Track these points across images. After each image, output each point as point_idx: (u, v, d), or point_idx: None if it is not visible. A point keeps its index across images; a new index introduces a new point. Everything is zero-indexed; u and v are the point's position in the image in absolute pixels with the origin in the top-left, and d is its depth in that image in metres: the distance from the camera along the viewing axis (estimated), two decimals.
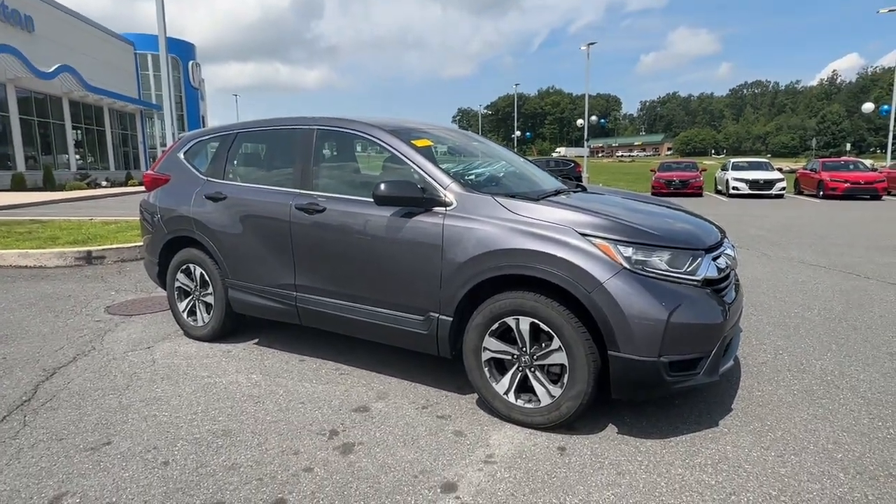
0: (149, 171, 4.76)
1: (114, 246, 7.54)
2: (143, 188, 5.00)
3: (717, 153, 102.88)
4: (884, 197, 19.32)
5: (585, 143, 35.94)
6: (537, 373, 2.90)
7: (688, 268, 2.75)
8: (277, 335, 4.43)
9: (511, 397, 2.96)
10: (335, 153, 4.04)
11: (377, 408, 3.18)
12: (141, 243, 5.41)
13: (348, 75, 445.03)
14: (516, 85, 67.78)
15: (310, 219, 3.56)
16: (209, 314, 4.27)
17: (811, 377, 3.56)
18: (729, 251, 3.12)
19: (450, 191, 3.15)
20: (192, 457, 2.66)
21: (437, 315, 3.14)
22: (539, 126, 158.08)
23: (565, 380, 2.79)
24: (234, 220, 3.94)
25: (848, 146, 78.48)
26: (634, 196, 3.93)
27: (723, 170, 22.59)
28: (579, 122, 38.45)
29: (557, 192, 3.59)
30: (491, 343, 2.99)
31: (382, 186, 3.14)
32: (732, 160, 23.17)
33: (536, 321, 2.82)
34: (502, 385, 2.99)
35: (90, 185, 25.21)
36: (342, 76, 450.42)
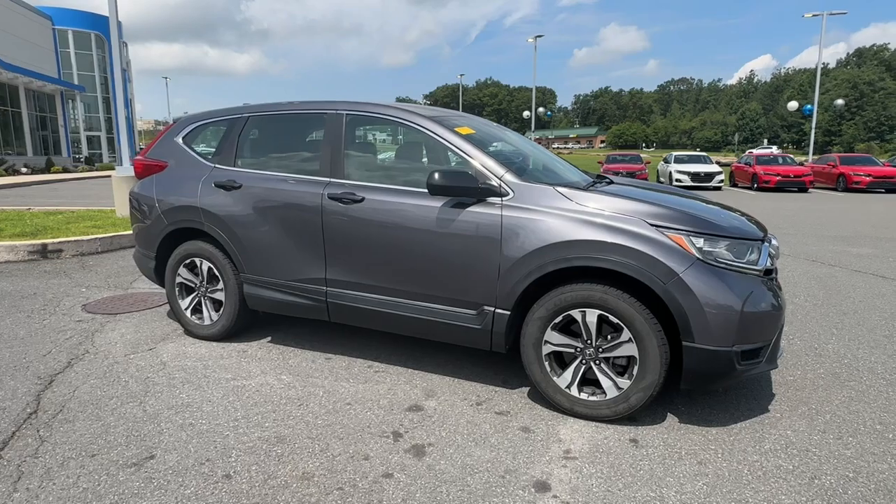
0: (139, 157, 4.36)
1: (71, 238, 6.91)
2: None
3: (648, 146, 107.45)
4: (809, 189, 20.78)
5: (531, 134, 36.48)
6: (602, 365, 2.87)
7: (750, 258, 2.80)
8: (290, 332, 4.19)
9: (574, 391, 2.92)
10: (369, 140, 3.84)
11: (431, 406, 3.06)
12: (109, 237, 4.95)
13: (281, 61, 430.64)
14: (461, 75, 68.04)
15: (345, 209, 3.36)
16: (218, 312, 3.97)
17: (831, 361, 3.74)
18: (774, 241, 3.20)
19: (505, 181, 3.05)
20: (255, 468, 2.45)
21: (492, 309, 3.04)
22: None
23: (634, 371, 2.78)
24: (251, 211, 3.67)
25: (765, 141, 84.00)
26: (664, 188, 3.97)
27: (665, 162, 23.56)
28: (525, 113, 38.97)
29: (595, 183, 3.57)
30: (553, 336, 2.93)
31: (437, 176, 3.00)
32: (674, 153, 24.21)
33: (605, 313, 2.79)
34: (564, 379, 2.94)
35: (8, 172, 23.09)
36: (275, 61, 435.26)
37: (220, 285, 3.91)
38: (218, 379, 3.38)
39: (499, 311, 3.03)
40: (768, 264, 2.91)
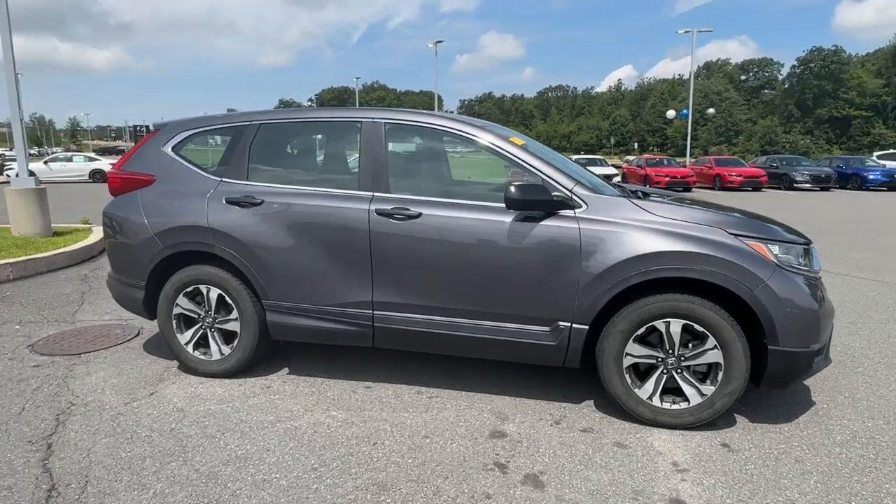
0: (113, 170, 3.74)
1: None
2: None
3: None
4: (692, 189, 22.99)
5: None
6: (685, 373, 2.91)
7: (809, 262, 2.98)
8: (305, 361, 3.81)
9: (656, 401, 2.93)
10: (413, 151, 3.59)
11: (512, 430, 2.92)
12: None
13: (147, 58, 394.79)
14: (357, 78, 66.70)
15: (398, 226, 3.11)
16: (230, 344, 3.51)
17: (843, 352, 4.11)
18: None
19: (576, 193, 3.00)
20: None
21: (568, 324, 2.97)
22: None
23: (719, 377, 2.85)
24: (277, 230, 3.28)
25: (636, 145, 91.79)
26: (692, 198, 4.13)
27: None
28: None
29: (637, 192, 3.62)
30: (634, 348, 2.92)
31: (514, 189, 2.88)
32: (573, 157, 25.65)
33: (690, 322, 2.83)
34: (646, 390, 2.94)
35: None
36: (140, 59, 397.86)
37: (234, 314, 3.45)
38: (260, 423, 2.98)
39: (576, 326, 2.96)
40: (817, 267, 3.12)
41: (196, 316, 3.54)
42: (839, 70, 75.98)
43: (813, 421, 3.03)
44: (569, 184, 3.02)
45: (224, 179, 3.46)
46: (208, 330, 3.54)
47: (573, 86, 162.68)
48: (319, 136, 3.56)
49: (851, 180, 23.69)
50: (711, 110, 33.73)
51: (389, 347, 3.33)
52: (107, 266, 3.98)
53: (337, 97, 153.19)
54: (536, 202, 2.91)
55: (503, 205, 3.05)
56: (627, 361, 2.94)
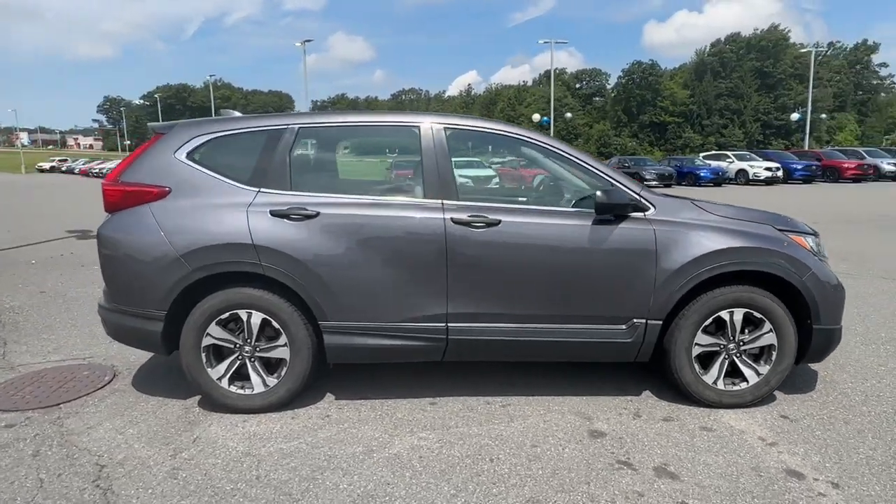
0: (109, 181, 3.14)
1: None
2: None
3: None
4: None
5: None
6: (743, 356, 3.22)
7: (822, 250, 3.46)
8: (344, 385, 3.52)
9: (721, 384, 3.21)
10: (474, 157, 3.46)
11: (607, 429, 3.00)
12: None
13: None
14: (211, 76, 61.41)
15: (477, 234, 3.03)
16: (275, 374, 3.14)
17: None
18: None
19: (643, 196, 3.16)
20: None
21: (643, 321, 3.13)
22: None
23: (773, 357, 3.19)
24: (338, 244, 3.01)
25: (489, 147, 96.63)
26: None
27: None
28: None
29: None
30: (702, 338, 3.17)
31: (602, 195, 2.97)
32: (453, 159, 26.34)
33: (750, 310, 3.13)
34: (710, 375, 3.20)
35: None
36: None
37: (282, 340, 3.09)
38: (352, 455, 2.72)
39: (651, 322, 3.13)
40: None
41: (232, 346, 3.11)
42: (656, 82, 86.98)
43: (829, 388, 3.52)
44: (635, 188, 3.18)
45: (262, 190, 3.09)
46: (247, 360, 3.13)
47: (426, 89, 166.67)
48: (367, 141, 3.31)
49: (687, 178, 27.36)
50: (569, 115, 36.84)
51: (460, 360, 3.23)
52: (14, 298, 3.32)
53: (175, 95, 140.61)
54: (622, 206, 3.03)
55: (578, 209, 3.13)
56: (696, 351, 3.18)
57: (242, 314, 3.07)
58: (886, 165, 27.78)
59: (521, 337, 3.13)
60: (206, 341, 3.09)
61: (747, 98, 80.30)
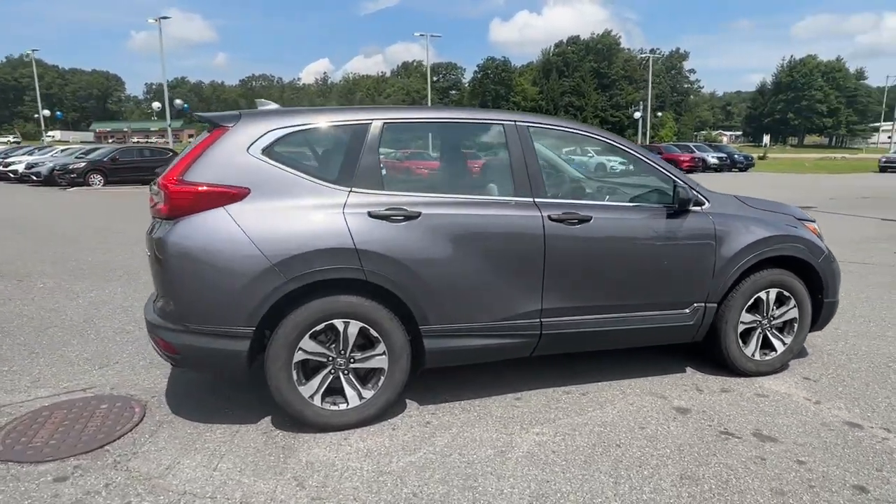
0: (172, 181, 2.69)
1: None
2: None
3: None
4: None
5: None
6: (773, 330, 3.70)
7: (820, 234, 4.07)
8: (409, 391, 3.41)
9: (758, 355, 3.66)
10: (554, 154, 3.46)
11: (686, 405, 3.28)
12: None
13: None
14: (34, 50, 51.58)
15: (571, 230, 3.12)
16: (370, 386, 2.96)
17: None
18: None
19: (699, 191, 3.48)
20: None
21: (702, 304, 3.46)
22: (17, 103, 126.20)
23: (794, 329, 3.71)
24: (440, 245, 2.91)
25: None
26: None
27: None
28: (155, 104, 33.47)
29: None
30: (745, 317, 3.59)
31: (682, 191, 3.22)
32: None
33: (781, 290, 3.62)
34: (750, 349, 3.64)
35: None
36: None
37: (380, 349, 2.92)
38: (488, 458, 2.69)
39: (709, 304, 3.47)
40: None
41: (325, 360, 2.87)
42: (508, 78, 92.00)
43: (817, 353, 4.17)
44: (692, 184, 3.49)
45: (354, 189, 2.87)
46: (341, 373, 2.91)
47: (278, 76, 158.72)
48: (453, 139, 3.21)
49: None
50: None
51: (547, 353, 3.31)
52: None
53: None
54: (693, 200, 3.31)
55: (651, 204, 3.36)
56: (741, 328, 3.59)
57: (339, 324, 2.84)
58: (711, 159, 32.44)
59: (603, 327, 3.30)
60: (298, 357, 2.82)
61: (588, 96, 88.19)
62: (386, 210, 2.86)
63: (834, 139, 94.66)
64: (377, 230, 2.82)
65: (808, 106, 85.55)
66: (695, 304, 3.45)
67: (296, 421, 2.91)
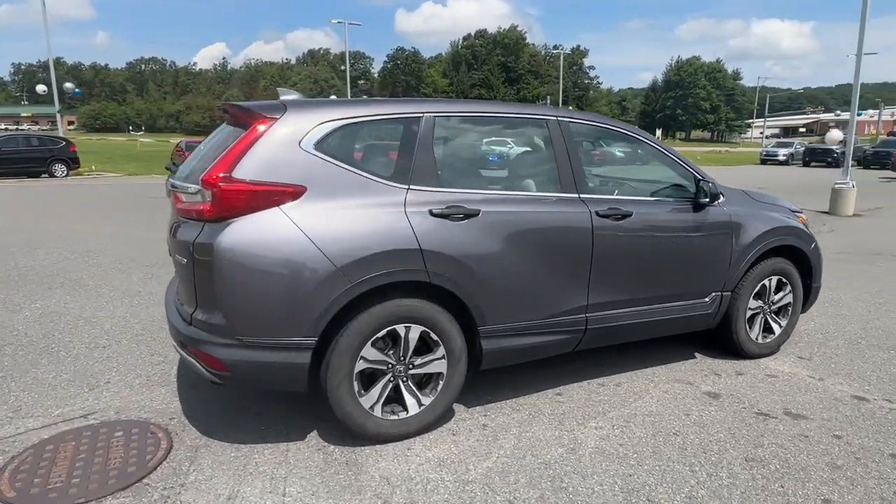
0: (221, 181, 2.40)
1: None
2: None
3: (136, 130, 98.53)
4: None
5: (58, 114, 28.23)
6: (771, 314, 3.98)
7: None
8: None
9: (761, 338, 3.92)
10: (593, 150, 3.43)
11: (717, 391, 3.45)
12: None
13: None
14: None
15: (615, 226, 3.16)
16: (429, 391, 2.84)
17: None
18: None
19: (716, 185, 3.65)
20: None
21: (719, 293, 3.65)
22: None
23: (790, 313, 4.02)
24: (498, 244, 2.83)
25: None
26: None
27: None
28: (40, 87, 29.74)
29: None
30: (752, 303, 3.83)
31: (711, 187, 3.37)
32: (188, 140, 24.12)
33: (781, 277, 3.90)
34: (754, 332, 3.89)
35: None
36: None
37: (439, 353, 2.80)
38: (563, 457, 2.67)
39: (724, 293, 3.67)
40: None
41: (385, 367, 2.72)
42: (418, 69, 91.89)
43: (795, 332, 4.55)
44: (710, 179, 3.65)
45: (412, 187, 2.72)
46: (400, 381, 2.77)
47: (171, 60, 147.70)
48: (497, 134, 3.11)
49: None
50: (333, 97, 36.66)
51: (589, 348, 3.34)
52: None
53: None
54: (715, 195, 3.47)
55: (679, 198, 3.48)
56: (748, 314, 3.83)
57: (401, 329, 2.69)
58: (618, 153, 34.39)
59: (638, 319, 3.38)
60: (360, 366, 2.64)
61: (496, 89, 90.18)
62: (446, 208, 2.73)
63: (715, 134, 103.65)
64: (439, 229, 2.70)
65: (694, 103, 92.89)
66: (713, 294, 3.63)
67: (355, 434, 2.73)
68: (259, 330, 2.45)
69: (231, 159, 2.46)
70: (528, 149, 3.27)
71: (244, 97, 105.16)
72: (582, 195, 3.14)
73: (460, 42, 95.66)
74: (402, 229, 2.61)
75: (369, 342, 2.63)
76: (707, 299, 3.62)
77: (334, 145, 2.65)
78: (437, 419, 2.87)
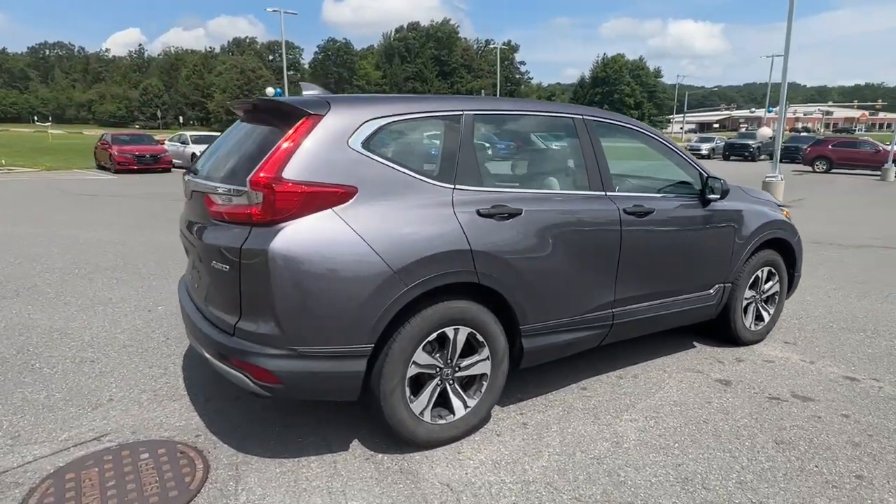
0: (273, 182, 2.24)
1: None
2: None
3: (43, 120, 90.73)
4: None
5: None
6: (762, 303, 4.22)
7: None
8: None
9: (753, 326, 4.16)
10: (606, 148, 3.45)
11: (726, 378, 3.62)
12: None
13: None
14: None
15: (639, 222, 3.24)
16: (473, 393, 2.80)
17: None
18: None
19: (724, 183, 3.81)
20: None
21: (722, 284, 3.83)
22: None
23: (776, 300, 4.28)
24: (538, 242, 2.84)
25: (181, 119, 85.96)
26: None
27: (182, 144, 22.12)
28: None
29: None
30: (748, 293, 4.05)
31: (722, 184, 3.52)
32: (189, 133, 22.97)
33: (771, 268, 4.14)
34: (748, 321, 4.12)
35: None
36: None
37: (484, 353, 2.78)
38: (610, 451, 2.73)
39: (726, 284, 3.85)
40: None
41: (433, 371, 2.66)
42: (350, 61, 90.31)
43: (791, 303, 4.85)
44: (719, 177, 3.81)
45: (457, 186, 2.67)
46: (447, 384, 2.72)
47: (78, 45, 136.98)
48: (528, 132, 3.09)
49: None
50: (270, 90, 35.11)
51: (612, 342, 3.40)
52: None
53: None
54: (727, 192, 3.63)
55: (690, 195, 3.61)
56: (744, 303, 4.05)
57: (450, 332, 2.64)
58: (554, 146, 35.26)
59: (654, 312, 3.49)
60: (412, 371, 2.57)
61: (430, 83, 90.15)
62: (491, 208, 2.70)
63: None
64: (487, 229, 2.66)
65: (619, 99, 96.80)
66: (717, 285, 3.81)
67: (407, 442, 2.66)
68: (316, 339, 2.33)
69: (280, 159, 2.32)
70: (559, 147, 3.28)
71: (164, 86, 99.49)
72: (608, 193, 3.20)
73: (392, 34, 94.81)
74: (454, 230, 2.56)
75: (421, 346, 2.57)
76: (712, 291, 3.79)
77: (381, 144, 2.56)
78: (480, 421, 2.85)
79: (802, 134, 40.27)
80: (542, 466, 2.59)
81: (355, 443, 2.75)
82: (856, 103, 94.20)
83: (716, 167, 29.22)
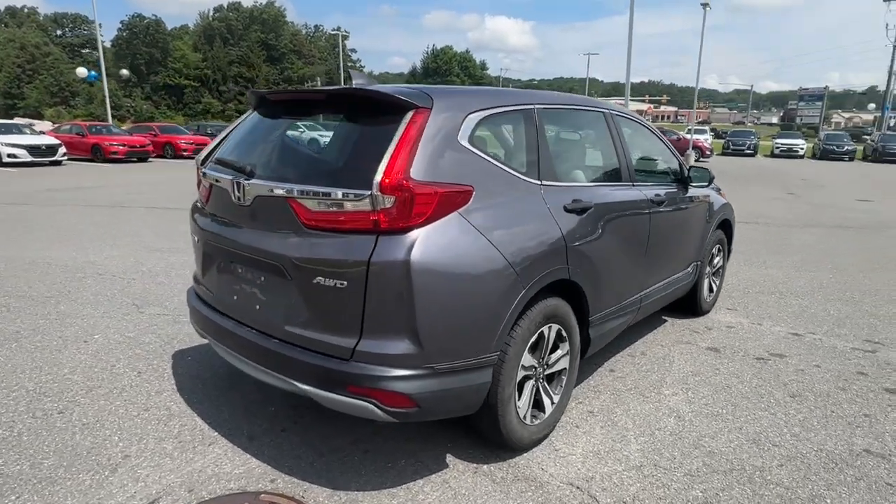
0: (408, 182, 1.98)
1: None
2: None
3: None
4: (150, 159, 21.39)
5: None
6: (712, 277, 4.79)
7: None
8: None
9: (709, 298, 4.71)
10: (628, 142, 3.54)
11: (714, 346, 4.06)
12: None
13: None
14: None
15: (659, 210, 3.49)
16: (554, 389, 2.80)
17: None
18: None
19: (710, 172, 4.21)
20: None
21: (697, 262, 4.28)
22: None
23: (720, 272, 4.89)
24: (601, 234, 2.91)
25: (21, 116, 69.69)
26: None
27: None
28: None
29: None
30: (708, 269, 4.57)
31: (709, 172, 3.90)
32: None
33: (720, 245, 4.72)
34: (705, 291, 4.65)
35: None
36: None
37: (565, 348, 2.79)
38: (677, 429, 2.92)
39: (698, 262, 4.31)
40: None
41: (531, 372, 2.60)
42: (163, 41, 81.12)
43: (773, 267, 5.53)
44: (705, 167, 4.22)
45: (543, 182, 2.62)
46: (538, 382, 2.68)
47: None
48: (578, 126, 3.12)
49: None
50: (82, 70, 29.61)
51: (631, 325, 3.61)
52: None
53: None
54: (713, 178, 4.04)
55: (679, 182, 3.95)
56: (707, 278, 4.57)
57: (545, 330, 2.61)
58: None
59: (661, 293, 3.78)
60: (520, 375, 2.49)
61: (258, 68, 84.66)
62: (573, 202, 2.71)
63: None
64: (574, 224, 2.67)
65: None
66: (693, 263, 4.24)
67: (512, 447, 2.58)
68: (452, 353, 2.14)
69: (406, 158, 2.06)
70: (599, 140, 3.36)
71: None
72: (635, 183, 3.38)
73: (210, 13, 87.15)
74: (553, 227, 2.52)
75: (527, 348, 2.49)
76: (690, 269, 4.21)
77: (481, 139, 2.40)
78: (560, 416, 2.86)
79: None
80: (638, 450, 2.70)
81: (449, 457, 2.59)
82: (647, 97, 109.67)
83: None
